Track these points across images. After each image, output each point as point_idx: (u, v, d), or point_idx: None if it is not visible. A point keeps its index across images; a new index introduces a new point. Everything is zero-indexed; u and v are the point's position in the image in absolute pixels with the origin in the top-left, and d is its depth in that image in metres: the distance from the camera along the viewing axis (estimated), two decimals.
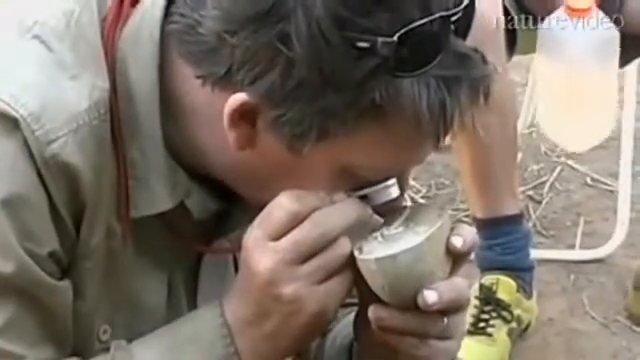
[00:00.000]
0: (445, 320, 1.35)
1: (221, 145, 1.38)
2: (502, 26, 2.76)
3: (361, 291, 1.39)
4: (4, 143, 1.34)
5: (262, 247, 1.34)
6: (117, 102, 1.39)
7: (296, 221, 1.34)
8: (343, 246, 1.35)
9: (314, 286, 1.34)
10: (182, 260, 1.51)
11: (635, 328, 2.99)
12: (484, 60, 1.32)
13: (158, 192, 1.42)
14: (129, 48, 1.40)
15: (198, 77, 1.36)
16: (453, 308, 1.35)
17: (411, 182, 3.49)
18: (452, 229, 1.36)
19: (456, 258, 1.35)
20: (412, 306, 1.33)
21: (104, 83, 1.38)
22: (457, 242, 1.34)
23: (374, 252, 1.33)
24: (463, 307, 1.38)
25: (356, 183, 1.39)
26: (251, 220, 1.40)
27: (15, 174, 1.34)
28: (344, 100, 1.29)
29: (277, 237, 1.34)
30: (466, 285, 1.38)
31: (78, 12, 1.40)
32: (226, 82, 1.34)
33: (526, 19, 2.89)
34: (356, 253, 1.34)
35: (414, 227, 1.37)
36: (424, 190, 3.51)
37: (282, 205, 1.34)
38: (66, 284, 1.40)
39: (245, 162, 1.39)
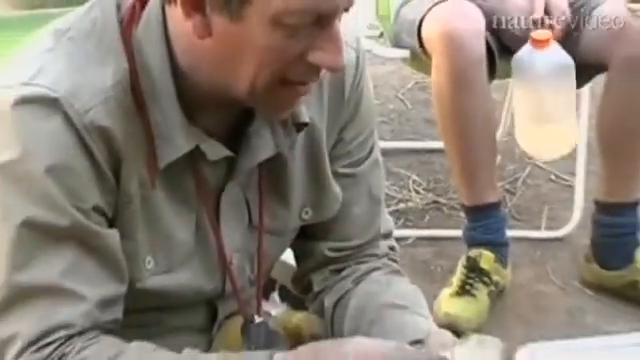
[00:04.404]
0: None
1: (205, 60, 1.36)
2: (484, 58, 2.76)
3: None
4: (48, 121, 1.33)
5: None
6: (138, 78, 1.37)
7: None
8: None
9: None
10: (205, 202, 1.46)
11: (586, 291, 2.98)
12: None
13: (178, 141, 1.39)
14: (142, 33, 1.38)
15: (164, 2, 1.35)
16: None
17: (414, 177, 3.50)
18: None
19: None
20: None
21: (124, 65, 1.36)
22: None
23: None
24: None
25: (296, 31, 1.30)
26: (253, 163, 1.43)
27: (59, 146, 1.33)
28: None
29: None
30: None
31: (101, 18, 1.39)
32: None
33: (504, 51, 2.87)
34: None
35: None
36: (424, 184, 3.49)
37: None
38: (112, 231, 1.38)
39: (215, 57, 1.35)
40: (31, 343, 1.33)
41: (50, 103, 1.32)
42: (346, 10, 1.32)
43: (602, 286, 2.97)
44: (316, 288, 1.60)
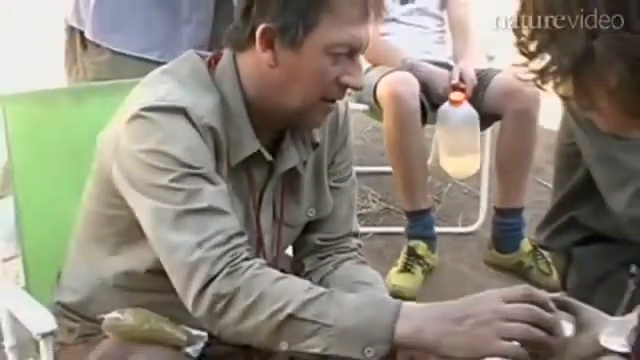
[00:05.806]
0: None
1: (269, 85, 1.39)
2: (419, 110, 2.86)
3: None
4: (178, 121, 1.36)
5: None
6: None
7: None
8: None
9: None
10: (253, 196, 1.48)
11: (489, 270, 3.04)
12: None
13: (246, 147, 1.44)
14: (219, 77, 1.44)
15: (238, 48, 1.40)
16: None
17: (372, 191, 3.48)
18: None
19: None
20: None
21: (216, 97, 1.42)
22: None
23: None
24: None
25: (336, 59, 1.36)
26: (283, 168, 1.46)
27: (188, 136, 1.37)
28: (308, 3, 1.34)
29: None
30: None
31: (194, 67, 1.44)
32: (253, 38, 1.36)
33: (433, 106, 2.95)
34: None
35: None
36: (379, 195, 3.48)
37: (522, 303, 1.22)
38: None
39: (278, 82, 1.38)
40: (198, 245, 1.30)
41: (179, 110, 1.37)
42: (365, 50, 1.38)
43: (499, 266, 3.03)
44: (307, 269, 1.61)
